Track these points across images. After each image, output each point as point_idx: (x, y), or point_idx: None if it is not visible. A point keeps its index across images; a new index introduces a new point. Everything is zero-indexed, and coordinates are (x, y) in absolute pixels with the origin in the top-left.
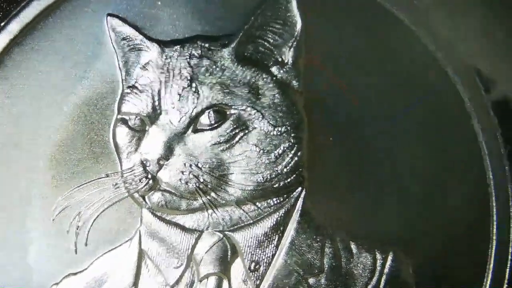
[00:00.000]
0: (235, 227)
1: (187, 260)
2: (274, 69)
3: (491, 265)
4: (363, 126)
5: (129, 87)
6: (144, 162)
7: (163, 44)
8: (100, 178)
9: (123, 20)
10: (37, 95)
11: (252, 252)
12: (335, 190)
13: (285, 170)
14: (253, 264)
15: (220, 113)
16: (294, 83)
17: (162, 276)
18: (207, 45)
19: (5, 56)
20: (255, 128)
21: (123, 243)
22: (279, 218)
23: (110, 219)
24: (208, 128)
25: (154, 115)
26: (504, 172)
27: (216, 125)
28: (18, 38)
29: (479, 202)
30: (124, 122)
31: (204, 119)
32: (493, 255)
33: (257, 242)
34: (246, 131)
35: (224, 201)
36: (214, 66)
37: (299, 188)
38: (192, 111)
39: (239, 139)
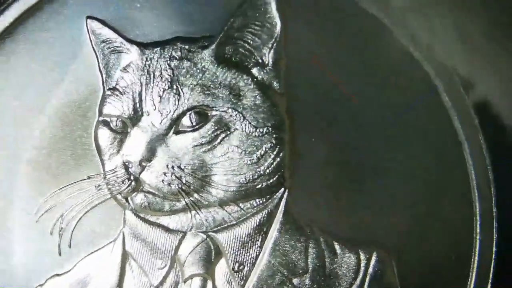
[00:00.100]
0: (219, 228)
1: (171, 261)
2: (254, 71)
3: (475, 265)
4: (345, 127)
5: (110, 89)
6: (127, 163)
7: (143, 46)
8: (83, 180)
9: (102, 23)
10: (18, 98)
11: (236, 253)
12: (318, 191)
13: (267, 171)
14: (237, 264)
15: (201, 114)
16: (275, 84)
17: (147, 277)
18: (187, 46)
19: None
20: (236, 129)
21: (107, 244)
22: (262, 219)
23: (93, 221)
24: (189, 129)
25: (135, 117)
26: (486, 173)
27: (197, 126)
28: None
29: (463, 202)
30: (106, 124)
31: (186, 121)
32: (477, 255)
33: (240, 242)
34: (228, 133)
35: (207, 202)
36: (194, 68)
37: (282, 189)
38: (174, 112)
39: (221, 140)
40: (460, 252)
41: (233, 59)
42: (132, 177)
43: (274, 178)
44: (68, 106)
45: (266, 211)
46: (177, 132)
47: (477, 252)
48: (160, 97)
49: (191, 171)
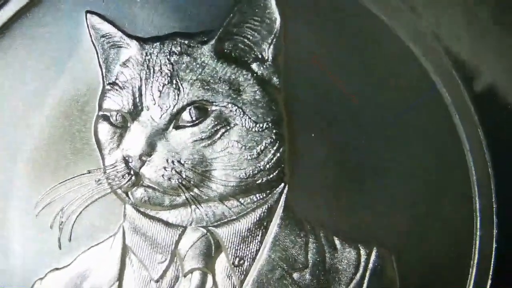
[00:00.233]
0: (219, 222)
1: (171, 255)
2: (254, 66)
3: (475, 262)
4: (345, 127)
5: (109, 83)
6: (127, 158)
7: (142, 41)
8: (83, 174)
9: (102, 18)
10: (16, 93)
11: (236, 248)
12: (318, 186)
13: (267, 166)
14: (237, 259)
15: (201, 109)
16: (275, 79)
17: (147, 271)
18: (186, 42)
19: None
20: (236, 124)
21: (106, 238)
22: (262, 214)
23: (93, 215)
24: (189, 124)
25: (135, 112)
26: (487, 169)
27: (197, 121)
28: None
29: (463, 200)
30: (106, 118)
31: (186, 116)
32: (477, 252)
33: (240, 237)
34: (228, 128)
35: (207, 197)
36: (194, 63)
37: (282, 184)
38: (173, 107)
39: (221, 135)
40: (460, 250)
41: (233, 54)
42: (132, 172)
43: (274, 173)
44: (67, 101)
45: (266, 206)
46: (177, 127)
47: (477, 248)
48: (160, 92)
49: (191, 166)
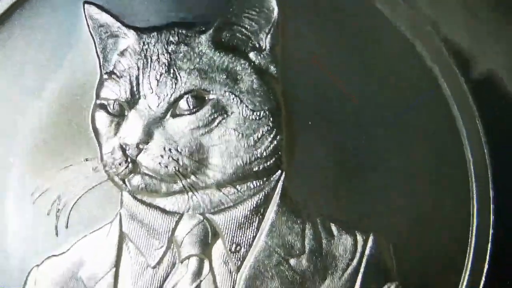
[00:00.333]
0: (216, 209)
1: (167, 242)
2: (252, 55)
3: (472, 248)
4: (343, 110)
5: (107, 73)
6: (124, 146)
7: (140, 31)
8: (80, 162)
9: (100, 8)
10: (14, 83)
11: (233, 234)
12: (314, 173)
13: (264, 153)
14: (234, 245)
15: (198, 98)
16: (272, 69)
17: (144, 257)
18: (184, 31)
19: None
20: (233, 112)
21: (103, 225)
22: (259, 201)
23: (90, 202)
24: (187, 113)
25: (132, 100)
26: (484, 156)
27: (194, 110)
28: None
29: (460, 188)
30: (103, 107)
31: (183, 104)
32: (473, 239)
33: (237, 224)
34: (225, 116)
35: (204, 184)
36: (191, 52)
37: (279, 172)
38: (171, 96)
39: (218, 123)
40: (457, 236)
41: (230, 43)
42: (129, 160)
43: (271, 161)
44: (65, 90)
45: (263, 193)
46: (174, 116)
47: (473, 235)
48: (157, 80)
49: (188, 153)
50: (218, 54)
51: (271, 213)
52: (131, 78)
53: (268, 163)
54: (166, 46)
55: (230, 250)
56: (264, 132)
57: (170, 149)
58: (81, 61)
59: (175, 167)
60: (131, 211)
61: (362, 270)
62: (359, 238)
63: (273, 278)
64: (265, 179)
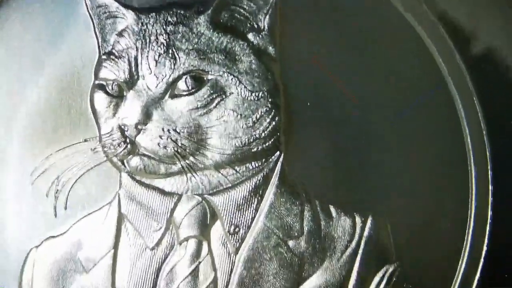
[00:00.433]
0: (214, 190)
1: (166, 223)
2: (250, 36)
3: (470, 231)
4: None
5: (105, 53)
6: (122, 127)
7: (138, 11)
8: (79, 143)
9: None
10: (13, 65)
11: (232, 216)
12: (313, 155)
13: (263, 134)
14: (232, 227)
15: (197, 78)
16: (270, 49)
17: (142, 239)
18: (182, 12)
19: None
20: (232, 93)
21: (102, 206)
22: (257, 182)
23: (89, 183)
24: (185, 93)
25: (131, 81)
26: (482, 138)
27: (193, 90)
28: None
29: (458, 172)
30: (102, 87)
31: (182, 85)
32: (472, 222)
33: (236, 205)
34: (224, 96)
35: (202, 165)
36: (190, 33)
37: (277, 153)
38: (169, 76)
39: (217, 104)
40: (455, 220)
41: (229, 24)
42: (127, 140)
43: (270, 142)
44: (63, 72)
45: (262, 174)
46: (172, 96)
47: (472, 218)
48: (156, 61)
49: (186, 134)
50: (216, 34)
51: (269, 195)
52: (130, 59)
53: (267, 144)
54: (164, 26)
55: (228, 231)
56: (262, 113)
57: (168, 130)
58: (80, 43)
59: (173, 148)
60: (129, 192)
61: (360, 251)
62: (358, 220)
63: (272, 260)
64: (263, 160)
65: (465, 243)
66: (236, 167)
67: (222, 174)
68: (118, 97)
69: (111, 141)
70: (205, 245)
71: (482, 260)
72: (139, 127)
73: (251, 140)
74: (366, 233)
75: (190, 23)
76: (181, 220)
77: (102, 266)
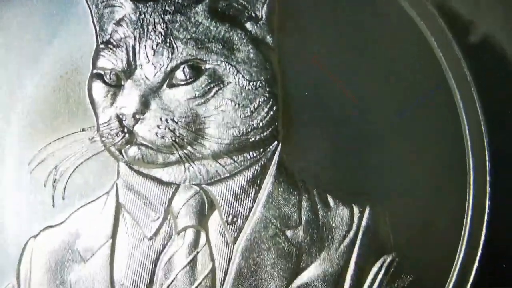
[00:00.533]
0: (212, 180)
1: (164, 213)
2: (248, 25)
3: (469, 219)
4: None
5: (103, 42)
6: (120, 116)
7: (136, 0)
8: (76, 132)
9: None
10: (12, 53)
11: (229, 205)
12: (311, 144)
13: (260, 124)
14: (230, 217)
15: (195, 68)
16: (268, 38)
17: (140, 228)
18: (180, 1)
19: None
20: (230, 82)
21: (100, 196)
22: (255, 172)
23: (87, 173)
24: (183, 83)
25: (129, 70)
26: (480, 127)
27: (191, 80)
28: None
29: (456, 162)
30: (99, 77)
31: (180, 74)
32: (470, 212)
33: (234, 195)
34: (222, 86)
35: (200, 155)
36: (188, 22)
37: (275, 142)
38: (167, 66)
39: (215, 93)
40: (454, 210)
41: (227, 13)
42: (125, 130)
43: (268, 131)
44: (62, 61)
45: (260, 164)
46: (170, 86)
47: (470, 209)
48: (154, 50)
49: (184, 124)
50: (214, 23)
51: (267, 184)
52: (128, 48)
53: (265, 133)
54: (162, 15)
55: (226, 221)
56: (260, 103)
57: (166, 120)
58: (78, 32)
59: (171, 138)
60: (127, 181)
61: (358, 242)
62: (356, 210)
63: (270, 250)
64: (261, 149)
65: (463, 233)
66: (234, 157)
67: (220, 163)
68: (116, 87)
69: (109, 130)
70: (203, 235)
71: (480, 250)
72: (137, 116)
73: (249, 130)
74: (364, 223)
75: (188, 12)
76: (179, 210)
77: (100, 256)
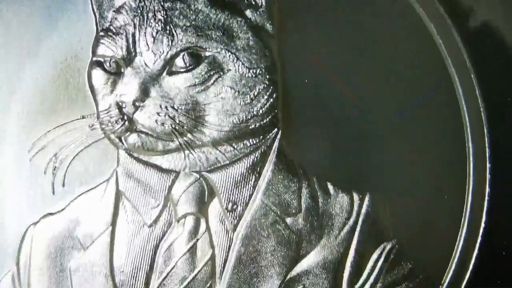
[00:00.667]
0: (212, 167)
1: (164, 200)
2: (248, 12)
3: (468, 207)
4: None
5: (103, 30)
6: (120, 103)
7: None
8: (76, 119)
9: None
10: (12, 40)
11: (229, 192)
12: (310, 132)
13: (260, 111)
14: (230, 204)
15: (194, 55)
16: (268, 26)
17: (140, 216)
18: None
19: None
20: (230, 70)
21: (100, 183)
22: (255, 159)
23: (87, 160)
24: (183, 70)
25: (129, 58)
26: (480, 116)
27: (190, 67)
28: None
29: (456, 151)
30: (99, 64)
31: (179, 62)
32: (469, 199)
33: (234, 182)
34: (221, 73)
35: (200, 142)
36: (188, 9)
37: (275, 130)
38: (167, 53)
39: (214, 81)
40: (453, 200)
41: (226, 1)
42: (125, 117)
43: (267, 119)
44: (61, 49)
45: (260, 151)
46: (170, 73)
47: (469, 198)
48: (154, 37)
49: (184, 111)
50: (214, 11)
51: (267, 171)
52: (127, 35)
53: (264, 121)
54: (162, 2)
55: (226, 208)
56: (260, 90)
57: (166, 107)
58: (77, 20)
59: (171, 125)
60: (127, 169)
61: (358, 229)
62: (356, 197)
63: (270, 237)
64: (261, 137)
65: (463, 219)
66: (233, 144)
67: (219, 151)
68: (115, 74)
69: (109, 118)
70: (203, 222)
71: (480, 237)
72: (137, 104)
73: (249, 117)
74: (363, 210)
75: None
76: (179, 197)
77: (100, 243)
